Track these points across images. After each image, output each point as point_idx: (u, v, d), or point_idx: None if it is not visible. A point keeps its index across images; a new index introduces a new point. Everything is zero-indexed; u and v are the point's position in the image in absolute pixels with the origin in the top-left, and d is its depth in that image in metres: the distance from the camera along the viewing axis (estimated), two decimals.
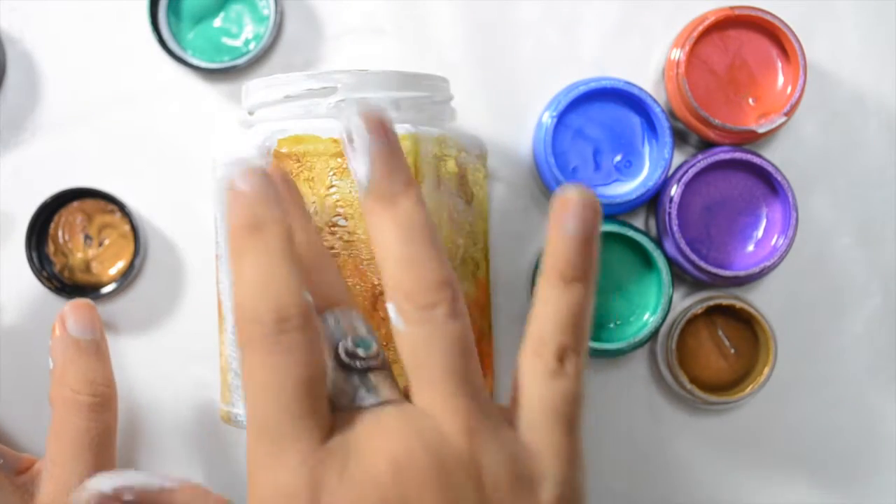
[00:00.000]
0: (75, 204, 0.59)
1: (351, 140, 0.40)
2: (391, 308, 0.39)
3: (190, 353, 0.59)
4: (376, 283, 0.50)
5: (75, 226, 0.59)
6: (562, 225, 0.39)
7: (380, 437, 0.37)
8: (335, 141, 0.49)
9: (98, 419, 0.52)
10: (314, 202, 0.49)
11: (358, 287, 0.49)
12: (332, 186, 0.50)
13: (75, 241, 0.59)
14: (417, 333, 0.38)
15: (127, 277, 0.58)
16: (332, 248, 0.49)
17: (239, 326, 0.38)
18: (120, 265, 0.59)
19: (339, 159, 0.49)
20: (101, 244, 0.59)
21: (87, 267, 0.59)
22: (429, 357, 0.38)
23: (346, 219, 0.49)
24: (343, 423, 0.38)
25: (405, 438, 0.37)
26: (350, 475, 0.37)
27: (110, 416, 0.53)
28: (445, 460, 0.37)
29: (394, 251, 0.39)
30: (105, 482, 0.44)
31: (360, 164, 0.40)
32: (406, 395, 0.40)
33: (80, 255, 0.59)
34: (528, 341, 0.40)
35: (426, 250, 0.39)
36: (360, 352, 0.40)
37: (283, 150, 0.49)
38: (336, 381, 0.39)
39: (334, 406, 0.39)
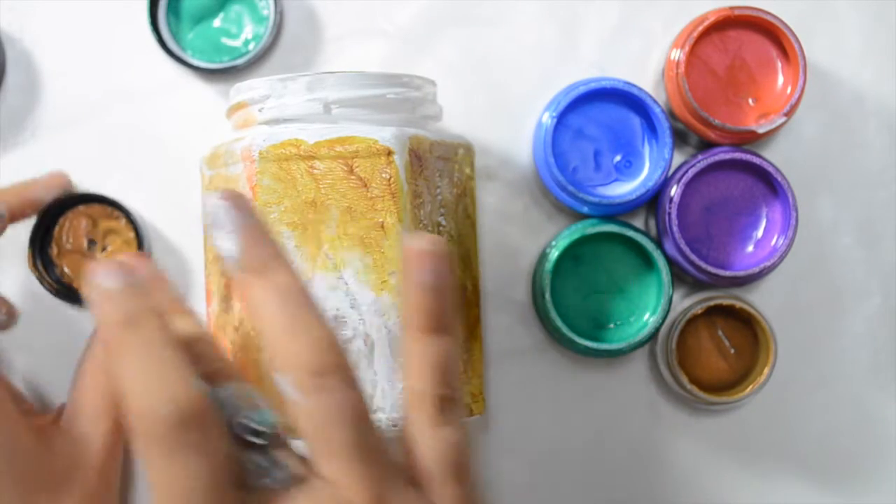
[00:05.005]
0: (81, 208, 0.59)
1: (216, 221, 0.39)
2: (282, 380, 0.38)
3: None
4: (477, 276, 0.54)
5: (80, 230, 0.59)
6: (416, 278, 0.39)
7: None
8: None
9: None
10: (429, 201, 0.50)
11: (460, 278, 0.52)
12: (437, 187, 0.51)
13: (78, 244, 0.59)
14: (314, 405, 0.38)
15: None
16: None
17: (135, 426, 0.36)
18: None
19: (443, 161, 0.52)
20: (104, 249, 0.59)
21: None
22: (329, 428, 0.38)
23: (445, 219, 0.52)
24: None
25: None
26: None
27: None
28: None
29: (276, 320, 0.38)
30: None
31: (227, 242, 0.39)
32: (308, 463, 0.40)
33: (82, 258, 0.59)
34: (406, 397, 0.41)
35: (308, 315, 0.38)
36: (259, 427, 0.39)
37: (413, 147, 0.50)
38: (240, 459, 0.38)
39: (243, 485, 0.38)
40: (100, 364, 0.54)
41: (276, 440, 0.39)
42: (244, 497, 0.38)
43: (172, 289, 0.45)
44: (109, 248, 0.59)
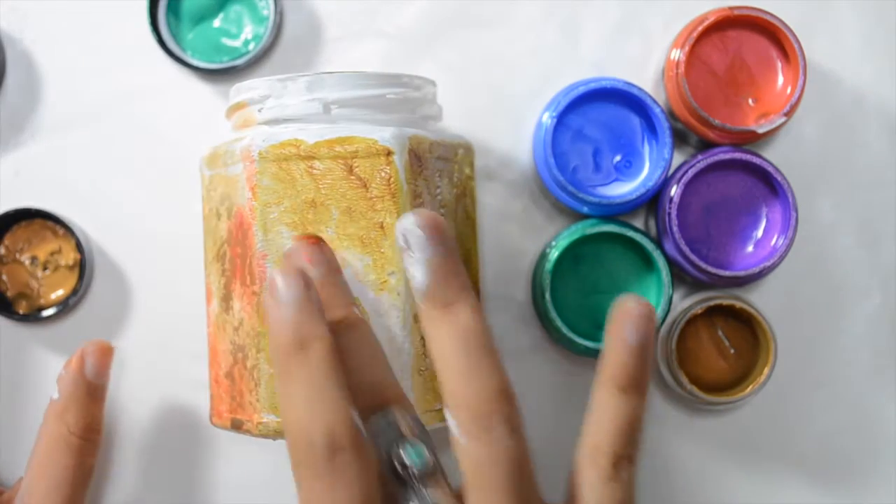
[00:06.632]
0: (34, 223, 0.58)
1: (408, 245, 0.41)
2: (450, 419, 0.40)
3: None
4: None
5: (24, 243, 0.58)
6: (622, 335, 0.41)
7: None
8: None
9: (83, 461, 0.52)
10: (429, 201, 0.50)
11: None
12: (437, 187, 0.51)
13: (19, 257, 0.58)
14: (478, 451, 0.39)
15: (68, 304, 0.58)
16: None
17: (290, 449, 0.39)
18: (60, 292, 0.59)
19: (442, 161, 0.52)
20: (45, 268, 0.58)
21: (28, 286, 0.59)
22: (486, 475, 0.39)
23: (445, 219, 0.51)
24: None
25: None
26: None
27: (94, 459, 0.53)
28: None
29: (452, 362, 0.40)
30: None
31: (417, 270, 0.41)
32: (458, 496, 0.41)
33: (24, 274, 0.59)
34: (585, 448, 0.42)
35: (483, 360, 0.40)
36: (414, 462, 0.40)
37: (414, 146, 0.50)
38: (391, 492, 0.40)
39: None
40: (53, 436, 0.53)
41: (429, 475, 0.40)
42: None
43: (347, 288, 0.45)
44: (48, 272, 0.58)
